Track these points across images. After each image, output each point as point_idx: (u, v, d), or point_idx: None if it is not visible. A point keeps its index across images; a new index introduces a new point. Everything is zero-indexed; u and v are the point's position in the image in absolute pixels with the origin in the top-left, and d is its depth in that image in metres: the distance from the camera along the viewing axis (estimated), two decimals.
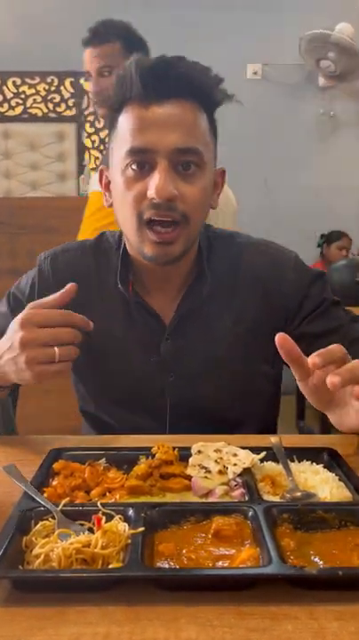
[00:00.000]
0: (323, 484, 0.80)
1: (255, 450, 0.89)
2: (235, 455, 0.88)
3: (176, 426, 1.11)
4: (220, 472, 0.83)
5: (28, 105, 4.77)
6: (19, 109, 4.77)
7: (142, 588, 0.61)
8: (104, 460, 0.89)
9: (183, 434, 1.02)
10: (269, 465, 0.87)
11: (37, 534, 0.68)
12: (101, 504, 0.72)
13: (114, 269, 1.15)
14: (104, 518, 0.68)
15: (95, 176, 2.06)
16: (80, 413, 1.27)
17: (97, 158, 4.69)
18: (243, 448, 0.89)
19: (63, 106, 4.77)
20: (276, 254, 1.20)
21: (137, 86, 1.00)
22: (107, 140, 4.71)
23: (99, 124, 4.79)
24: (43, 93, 4.75)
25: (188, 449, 0.90)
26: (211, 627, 0.56)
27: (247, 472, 0.83)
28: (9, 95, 4.76)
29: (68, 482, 0.82)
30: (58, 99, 4.75)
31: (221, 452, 0.88)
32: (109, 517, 0.69)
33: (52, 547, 0.64)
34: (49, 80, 4.74)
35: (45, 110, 4.77)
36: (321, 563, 0.65)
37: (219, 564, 0.65)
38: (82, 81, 4.72)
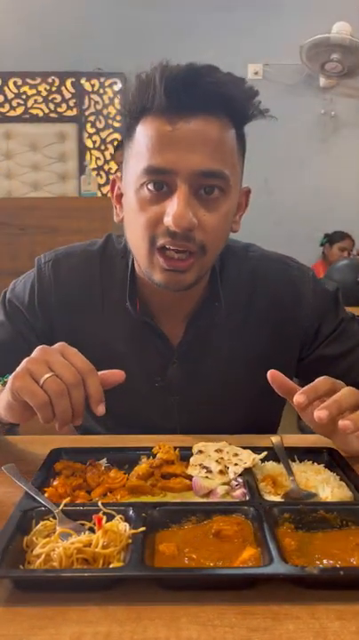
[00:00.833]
0: (324, 484, 0.80)
1: (256, 449, 0.88)
2: (236, 455, 0.88)
3: None
4: (221, 472, 0.83)
5: (29, 105, 4.78)
6: (20, 110, 4.78)
7: (143, 588, 0.61)
8: (105, 459, 0.89)
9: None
10: (270, 465, 0.87)
11: (38, 534, 0.68)
12: (102, 504, 0.71)
13: (119, 281, 1.08)
14: (105, 518, 0.68)
15: None
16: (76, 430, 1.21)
17: (98, 159, 4.70)
18: (245, 448, 0.89)
19: (64, 106, 4.78)
20: (294, 275, 1.12)
21: (160, 96, 0.88)
22: (107, 139, 4.71)
23: (100, 125, 4.80)
24: (44, 94, 4.76)
25: (189, 449, 0.90)
26: (212, 626, 0.56)
27: (248, 472, 0.83)
28: (10, 96, 4.77)
29: (69, 482, 0.82)
30: (59, 99, 4.76)
31: (222, 452, 0.88)
32: (110, 517, 0.69)
33: (53, 546, 0.64)
34: (50, 80, 4.74)
35: (46, 111, 4.78)
36: (322, 562, 0.65)
37: (220, 563, 0.65)
38: (82, 81, 4.73)
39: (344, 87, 4.70)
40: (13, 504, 0.74)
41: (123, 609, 0.59)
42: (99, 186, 4.27)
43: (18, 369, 0.82)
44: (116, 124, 4.77)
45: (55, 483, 0.81)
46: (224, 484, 0.81)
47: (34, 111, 4.79)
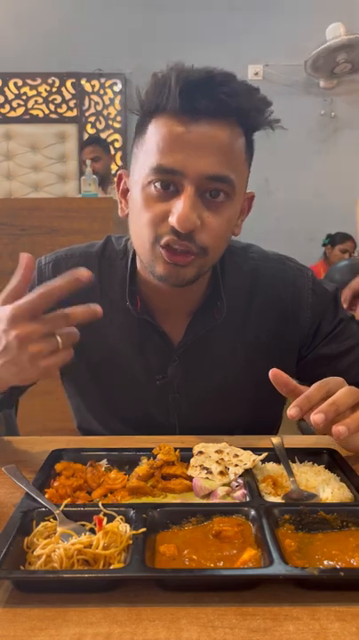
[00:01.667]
0: (324, 485, 0.80)
1: (256, 450, 0.89)
2: (236, 456, 0.88)
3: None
4: (222, 473, 0.83)
5: (30, 106, 4.78)
6: (20, 110, 4.78)
7: (144, 589, 0.61)
8: (105, 460, 0.89)
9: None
10: (271, 466, 0.87)
11: (39, 535, 0.68)
12: (103, 505, 0.72)
13: (119, 281, 1.09)
14: (105, 519, 0.68)
15: None
16: (78, 431, 1.22)
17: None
18: (245, 449, 0.89)
19: (64, 107, 4.78)
20: (293, 275, 1.14)
21: (174, 98, 0.90)
22: (108, 140, 4.70)
23: (101, 125, 4.80)
24: (44, 94, 4.76)
25: (190, 450, 0.90)
26: (212, 627, 0.56)
27: (248, 473, 0.83)
28: (10, 96, 4.77)
29: (70, 482, 0.82)
30: (59, 100, 4.76)
31: (222, 453, 0.89)
32: (111, 518, 0.69)
33: (54, 547, 0.64)
34: (50, 81, 4.75)
35: (47, 111, 4.78)
36: (322, 563, 0.65)
37: (221, 564, 0.65)
38: (83, 82, 4.73)
39: (344, 88, 4.70)
40: (14, 505, 0.74)
41: (124, 610, 0.59)
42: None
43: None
44: (116, 125, 4.77)
45: (56, 484, 0.82)
46: (224, 485, 0.82)
47: (34, 112, 4.80)
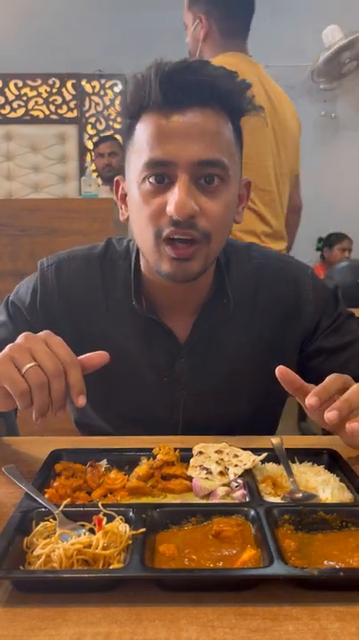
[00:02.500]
0: (324, 485, 0.80)
1: (256, 451, 0.89)
2: (236, 456, 0.88)
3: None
4: (221, 473, 0.83)
5: (30, 107, 4.79)
6: (20, 111, 4.79)
7: (143, 589, 0.61)
8: (105, 460, 0.89)
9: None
10: (270, 466, 0.87)
11: (38, 535, 0.68)
12: (102, 505, 0.72)
13: (122, 282, 1.10)
14: (105, 519, 0.68)
15: None
16: (75, 427, 1.23)
17: (93, 161, 4.70)
18: (245, 449, 0.89)
19: (65, 108, 4.79)
20: (294, 272, 1.16)
21: (156, 93, 0.92)
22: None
23: (101, 126, 4.81)
24: (44, 95, 4.76)
25: (189, 450, 0.90)
26: (211, 627, 0.56)
27: (248, 473, 0.83)
28: (11, 97, 4.77)
29: (70, 483, 0.82)
30: (59, 100, 4.77)
31: (222, 453, 0.89)
32: (110, 518, 0.69)
33: (54, 547, 0.64)
34: (50, 82, 4.75)
35: (47, 112, 4.79)
36: (322, 563, 0.65)
37: (220, 564, 0.65)
38: (83, 83, 4.73)
39: (345, 89, 4.71)
40: (14, 505, 0.74)
41: (124, 610, 0.59)
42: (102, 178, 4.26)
43: (0, 355, 0.84)
44: (117, 126, 4.78)
45: (55, 484, 0.82)
46: (224, 485, 0.82)
47: (34, 113, 4.80)
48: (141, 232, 0.99)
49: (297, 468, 0.86)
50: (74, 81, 4.73)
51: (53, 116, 4.79)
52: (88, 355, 0.88)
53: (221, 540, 0.68)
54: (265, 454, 0.88)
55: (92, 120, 4.79)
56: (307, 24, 4.37)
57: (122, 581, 0.62)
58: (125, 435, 1.07)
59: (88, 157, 4.76)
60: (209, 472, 0.83)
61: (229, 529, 0.69)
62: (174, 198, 0.92)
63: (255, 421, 1.11)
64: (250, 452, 0.88)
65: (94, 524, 0.68)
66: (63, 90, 4.76)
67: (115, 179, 1.08)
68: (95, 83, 4.74)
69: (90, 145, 4.79)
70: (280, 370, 0.89)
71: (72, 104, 4.77)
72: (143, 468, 0.85)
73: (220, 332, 1.10)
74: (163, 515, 0.72)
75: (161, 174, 0.94)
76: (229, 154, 0.97)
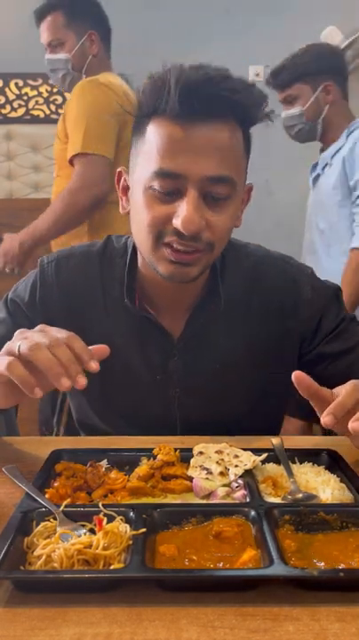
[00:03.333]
0: (324, 486, 0.80)
1: (256, 451, 0.89)
2: (236, 456, 0.88)
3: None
4: (222, 473, 0.83)
5: (31, 107, 4.78)
6: (21, 111, 4.77)
7: (144, 589, 0.61)
8: (105, 461, 0.89)
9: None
10: (271, 466, 0.87)
11: (39, 535, 0.68)
12: (103, 505, 0.72)
13: (118, 279, 1.10)
14: (105, 519, 0.68)
15: None
16: (78, 427, 1.23)
17: None
18: (245, 449, 0.89)
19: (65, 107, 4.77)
20: (293, 272, 1.15)
21: (173, 101, 0.90)
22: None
23: None
24: (45, 95, 4.75)
25: (190, 450, 0.90)
26: (212, 627, 0.56)
27: (248, 473, 0.83)
28: (11, 97, 4.76)
29: (70, 483, 0.82)
30: (60, 100, 4.76)
31: (223, 454, 0.89)
32: (111, 518, 0.69)
33: (54, 547, 0.64)
34: (51, 82, 4.74)
35: (48, 112, 4.78)
36: (322, 564, 0.65)
37: (221, 565, 0.65)
38: None
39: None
40: (14, 505, 0.74)
41: (124, 610, 0.59)
42: None
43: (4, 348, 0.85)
44: None
45: (56, 484, 0.82)
46: (224, 485, 0.82)
47: (35, 112, 4.79)
48: (141, 232, 0.99)
49: (297, 468, 0.86)
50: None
51: (54, 116, 4.77)
52: (89, 348, 0.87)
53: (222, 540, 0.68)
54: (265, 455, 0.88)
55: None
56: (307, 24, 4.36)
57: (122, 581, 0.62)
58: (124, 434, 1.08)
59: None
60: (209, 472, 0.83)
61: (230, 529, 0.69)
62: (183, 213, 0.92)
63: (252, 421, 1.11)
64: (250, 453, 0.88)
65: (95, 525, 0.68)
66: (64, 89, 4.75)
67: (118, 170, 1.08)
68: None
69: None
70: (296, 375, 0.87)
71: None
72: (143, 468, 0.85)
73: (213, 330, 1.10)
74: (163, 515, 0.72)
75: (170, 184, 0.93)
76: (238, 169, 0.97)
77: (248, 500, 0.77)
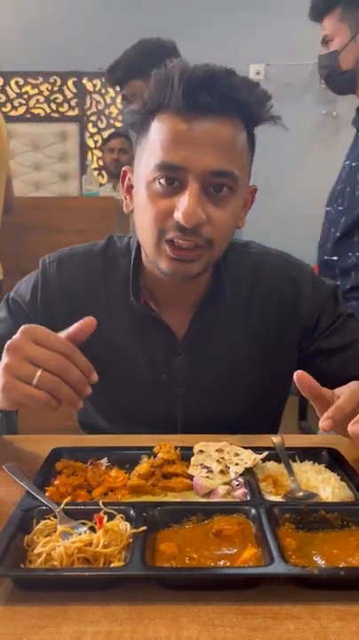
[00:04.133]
0: (324, 484, 0.80)
1: (257, 450, 0.89)
2: (236, 455, 0.88)
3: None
4: (222, 472, 0.83)
5: (31, 105, 4.78)
6: (22, 109, 4.78)
7: (144, 587, 0.61)
8: (106, 459, 0.89)
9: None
10: (271, 465, 0.87)
11: (39, 533, 0.68)
12: (103, 503, 0.72)
13: (122, 278, 1.11)
14: (106, 517, 0.68)
15: None
16: (78, 425, 1.23)
17: (99, 158, 4.70)
18: (245, 448, 0.89)
19: (66, 106, 4.78)
20: (294, 270, 1.16)
21: (177, 97, 0.92)
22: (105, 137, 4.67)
23: (102, 124, 4.80)
24: (45, 93, 4.76)
25: (190, 448, 0.90)
26: (212, 626, 0.56)
27: (249, 472, 0.83)
28: (12, 95, 4.77)
29: (70, 481, 0.82)
30: (60, 99, 4.76)
31: (223, 452, 0.89)
32: (111, 517, 0.69)
33: (54, 545, 0.64)
34: (52, 80, 4.74)
35: (48, 110, 4.78)
36: (322, 562, 0.65)
37: (221, 563, 0.65)
38: (84, 81, 4.72)
39: None
40: (14, 503, 0.74)
41: (124, 608, 0.59)
42: (101, 185, 4.27)
43: (3, 380, 0.83)
44: (118, 124, 4.77)
45: (56, 482, 0.81)
46: (225, 483, 0.82)
47: (35, 111, 4.79)
48: (144, 229, 1.00)
49: (297, 466, 0.86)
50: (75, 79, 4.72)
51: (54, 115, 4.79)
52: (75, 327, 0.87)
53: (222, 538, 0.68)
54: (266, 453, 0.88)
55: (94, 118, 4.78)
56: (309, 23, 4.36)
57: (122, 580, 0.62)
58: (126, 432, 1.08)
59: (89, 156, 4.75)
60: (210, 471, 0.83)
61: (230, 527, 0.69)
62: (183, 206, 0.92)
63: (254, 419, 1.11)
64: (250, 451, 0.88)
65: (95, 523, 0.68)
66: (64, 88, 4.75)
67: (123, 169, 1.08)
68: (96, 81, 4.73)
69: (91, 143, 4.79)
70: (298, 374, 0.88)
71: (73, 102, 4.76)
72: (144, 466, 0.85)
73: (217, 329, 1.11)
74: (163, 513, 0.72)
75: (172, 177, 0.94)
76: (241, 165, 0.97)
77: (248, 498, 0.77)
